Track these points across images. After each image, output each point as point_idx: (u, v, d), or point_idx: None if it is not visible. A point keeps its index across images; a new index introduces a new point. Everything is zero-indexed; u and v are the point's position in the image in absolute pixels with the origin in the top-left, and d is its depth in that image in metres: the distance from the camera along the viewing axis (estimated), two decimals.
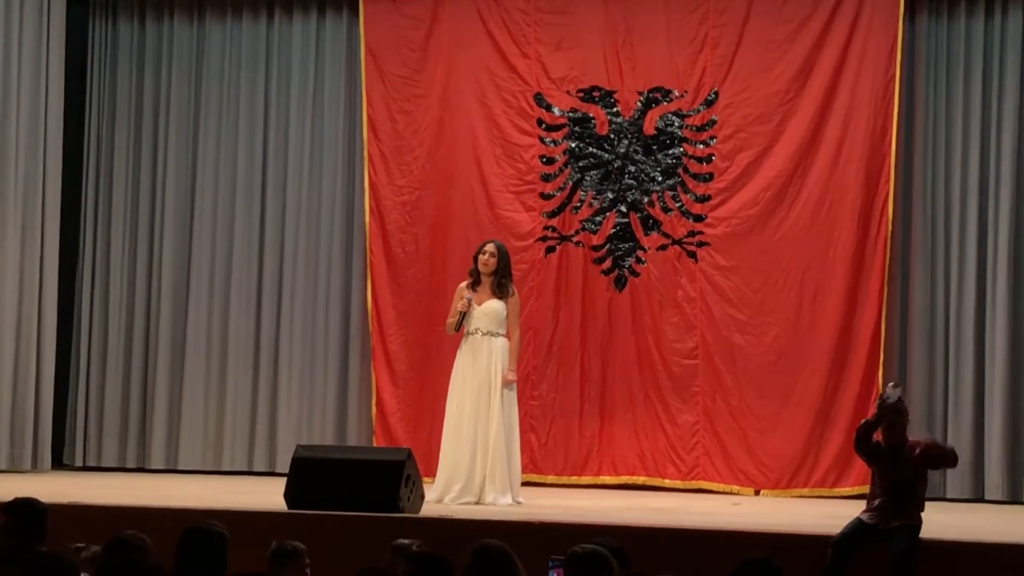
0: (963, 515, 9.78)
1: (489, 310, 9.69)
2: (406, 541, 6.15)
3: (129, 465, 12.08)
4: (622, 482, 11.27)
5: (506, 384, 9.61)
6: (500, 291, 9.73)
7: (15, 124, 11.51)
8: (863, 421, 7.98)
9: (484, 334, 9.68)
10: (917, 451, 7.70)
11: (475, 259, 9.82)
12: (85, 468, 12.09)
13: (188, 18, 12.35)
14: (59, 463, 12.08)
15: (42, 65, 11.72)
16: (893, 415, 7.71)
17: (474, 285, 9.77)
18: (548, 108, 11.60)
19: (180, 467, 11.95)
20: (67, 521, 7.47)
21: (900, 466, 7.68)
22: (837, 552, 7.57)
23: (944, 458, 7.84)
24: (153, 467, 11.99)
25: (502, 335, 9.72)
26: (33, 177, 11.63)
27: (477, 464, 9.55)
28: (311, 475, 8.63)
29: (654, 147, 11.47)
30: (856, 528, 7.64)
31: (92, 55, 12.46)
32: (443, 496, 9.51)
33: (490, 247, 9.81)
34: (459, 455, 9.58)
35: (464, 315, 9.66)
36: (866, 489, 10.73)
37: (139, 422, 12.15)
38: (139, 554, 5.05)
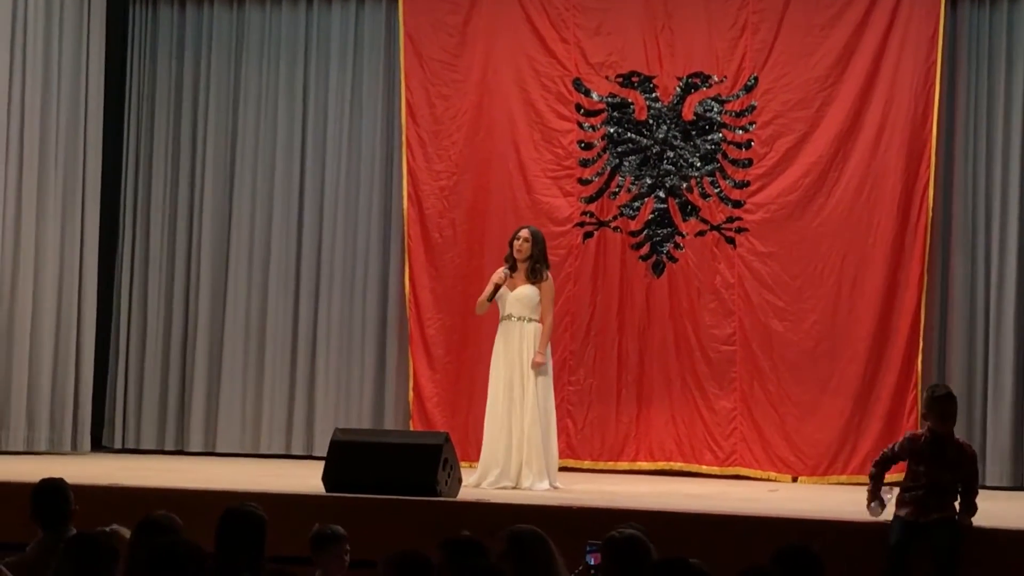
0: (1003, 503, 9.71)
1: (522, 295, 9.69)
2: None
3: (168, 448, 12.14)
4: (659, 468, 11.26)
5: (534, 367, 9.59)
6: (534, 276, 9.71)
7: (56, 109, 11.56)
8: (881, 458, 7.86)
9: (517, 319, 9.68)
10: (960, 467, 7.57)
11: (510, 244, 9.81)
12: (124, 450, 12.15)
13: (228, 3, 12.37)
14: (98, 446, 12.14)
15: (83, 50, 11.77)
16: (946, 405, 7.59)
17: (511, 271, 9.76)
18: (587, 93, 11.57)
19: (218, 450, 12.00)
20: (106, 502, 7.52)
21: (942, 463, 7.58)
22: (895, 557, 7.47)
23: (968, 492, 7.63)
24: (191, 450, 12.04)
25: (535, 320, 9.70)
26: (73, 162, 11.69)
27: (513, 449, 9.54)
28: (349, 459, 8.65)
29: (693, 132, 11.44)
30: (903, 529, 7.54)
31: (132, 40, 12.49)
32: (481, 481, 9.52)
33: (524, 232, 9.80)
34: (495, 440, 9.59)
35: (497, 288, 9.65)
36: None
37: (178, 405, 12.21)
38: (170, 534, 5.05)
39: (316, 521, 6.41)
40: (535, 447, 9.50)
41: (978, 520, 7.69)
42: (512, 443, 9.55)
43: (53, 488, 5.96)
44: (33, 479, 6.14)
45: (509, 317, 9.71)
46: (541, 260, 9.77)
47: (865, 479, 10.75)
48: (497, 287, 9.65)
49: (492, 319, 9.95)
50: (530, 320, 9.69)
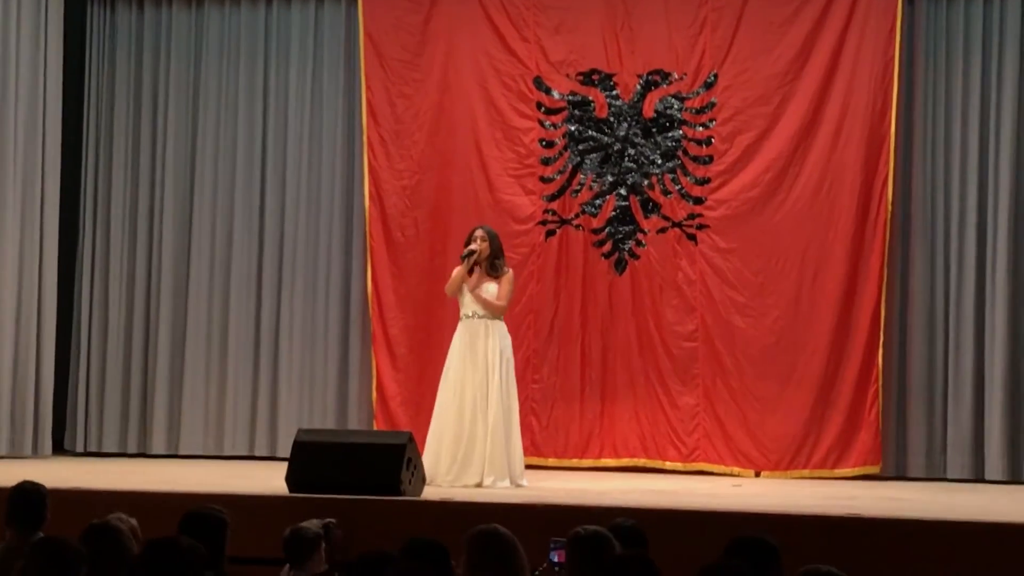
0: (964, 495, 9.79)
1: (485, 293, 9.70)
2: None
3: (130, 451, 12.10)
4: (623, 464, 11.29)
5: (477, 299, 9.61)
6: (494, 271, 9.74)
7: (13, 111, 11.50)
8: None
9: (480, 317, 9.69)
10: None
11: (466, 246, 9.81)
12: (86, 454, 12.11)
13: (186, 4, 12.33)
14: (60, 449, 12.09)
15: (40, 52, 11.71)
16: None
17: (468, 272, 9.75)
18: (547, 91, 11.59)
19: (181, 452, 11.96)
20: (68, 506, 7.49)
21: None
22: None
23: None
24: (154, 452, 12.00)
25: (499, 319, 9.73)
26: (32, 164, 11.63)
27: (477, 447, 9.53)
28: (312, 459, 8.63)
29: (653, 130, 11.47)
30: None
31: (91, 42, 12.44)
32: (434, 478, 9.39)
33: (479, 232, 9.81)
34: (448, 437, 9.54)
35: (472, 253, 9.64)
36: (866, 470, 10.85)
37: (140, 407, 12.16)
38: (116, 542, 4.95)
39: (279, 521, 6.40)
40: (498, 445, 9.49)
41: (939, 513, 7.75)
42: (477, 441, 9.52)
43: (32, 492, 5.95)
44: None
45: (472, 315, 9.72)
46: (499, 255, 9.79)
47: (828, 472, 10.90)
48: (472, 252, 9.65)
49: (453, 318, 9.94)
50: (494, 318, 9.70)
